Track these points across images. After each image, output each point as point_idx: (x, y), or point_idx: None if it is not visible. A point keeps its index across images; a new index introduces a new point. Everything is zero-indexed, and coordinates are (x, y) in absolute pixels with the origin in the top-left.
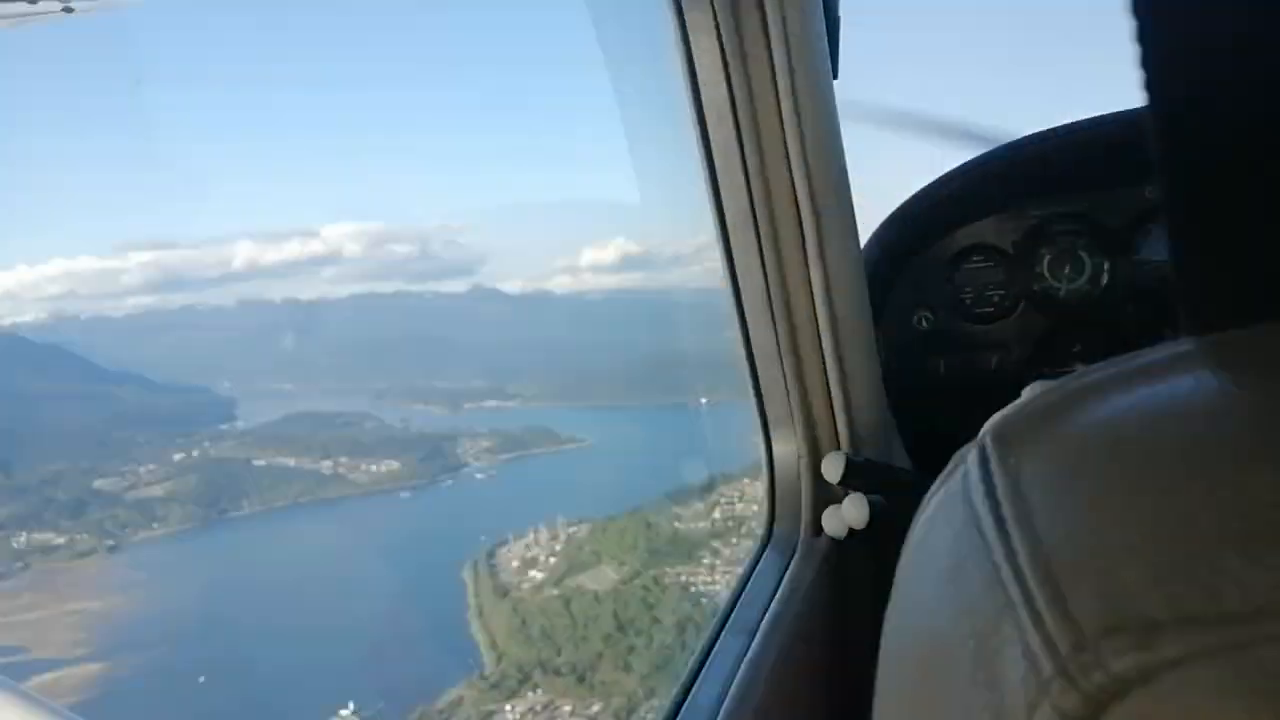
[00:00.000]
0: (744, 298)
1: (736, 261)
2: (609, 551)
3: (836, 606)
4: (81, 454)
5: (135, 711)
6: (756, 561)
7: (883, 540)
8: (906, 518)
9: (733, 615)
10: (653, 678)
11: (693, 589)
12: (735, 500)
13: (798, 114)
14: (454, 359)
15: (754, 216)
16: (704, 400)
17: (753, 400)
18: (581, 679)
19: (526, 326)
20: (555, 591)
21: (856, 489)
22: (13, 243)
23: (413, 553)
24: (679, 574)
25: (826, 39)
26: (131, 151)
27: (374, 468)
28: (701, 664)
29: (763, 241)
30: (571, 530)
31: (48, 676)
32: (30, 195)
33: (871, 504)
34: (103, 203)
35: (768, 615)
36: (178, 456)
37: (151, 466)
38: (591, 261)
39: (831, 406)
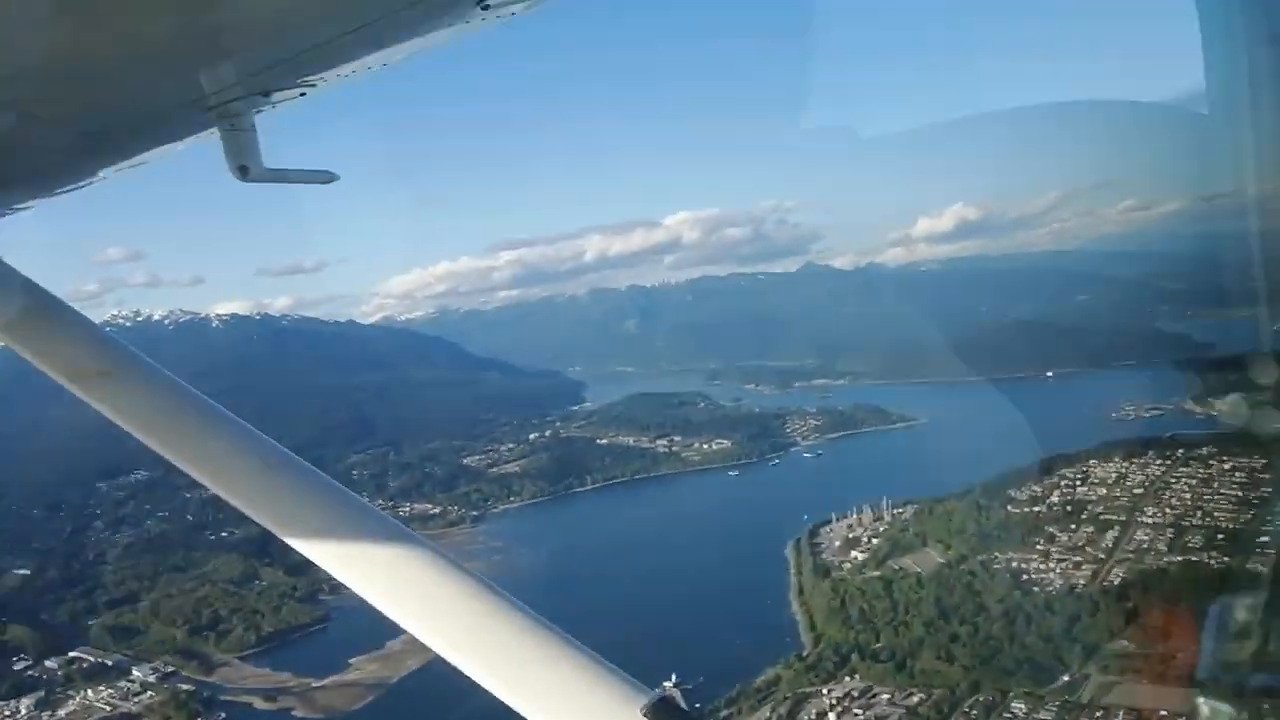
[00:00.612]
0: None
1: None
2: (935, 534)
3: None
4: (454, 434)
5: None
6: None
7: None
8: None
9: None
10: (978, 670)
11: (1025, 577)
12: (1077, 483)
13: None
14: (785, 338)
15: None
16: (1050, 373)
17: None
18: (901, 666)
19: (858, 302)
20: (876, 573)
21: None
22: (412, 250)
23: (738, 528)
24: (1010, 560)
25: None
26: (499, 159)
27: (705, 446)
28: None
29: None
30: (896, 511)
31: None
32: (427, 204)
33: None
34: (479, 208)
35: None
36: (533, 435)
37: (510, 445)
38: (926, 231)
39: None
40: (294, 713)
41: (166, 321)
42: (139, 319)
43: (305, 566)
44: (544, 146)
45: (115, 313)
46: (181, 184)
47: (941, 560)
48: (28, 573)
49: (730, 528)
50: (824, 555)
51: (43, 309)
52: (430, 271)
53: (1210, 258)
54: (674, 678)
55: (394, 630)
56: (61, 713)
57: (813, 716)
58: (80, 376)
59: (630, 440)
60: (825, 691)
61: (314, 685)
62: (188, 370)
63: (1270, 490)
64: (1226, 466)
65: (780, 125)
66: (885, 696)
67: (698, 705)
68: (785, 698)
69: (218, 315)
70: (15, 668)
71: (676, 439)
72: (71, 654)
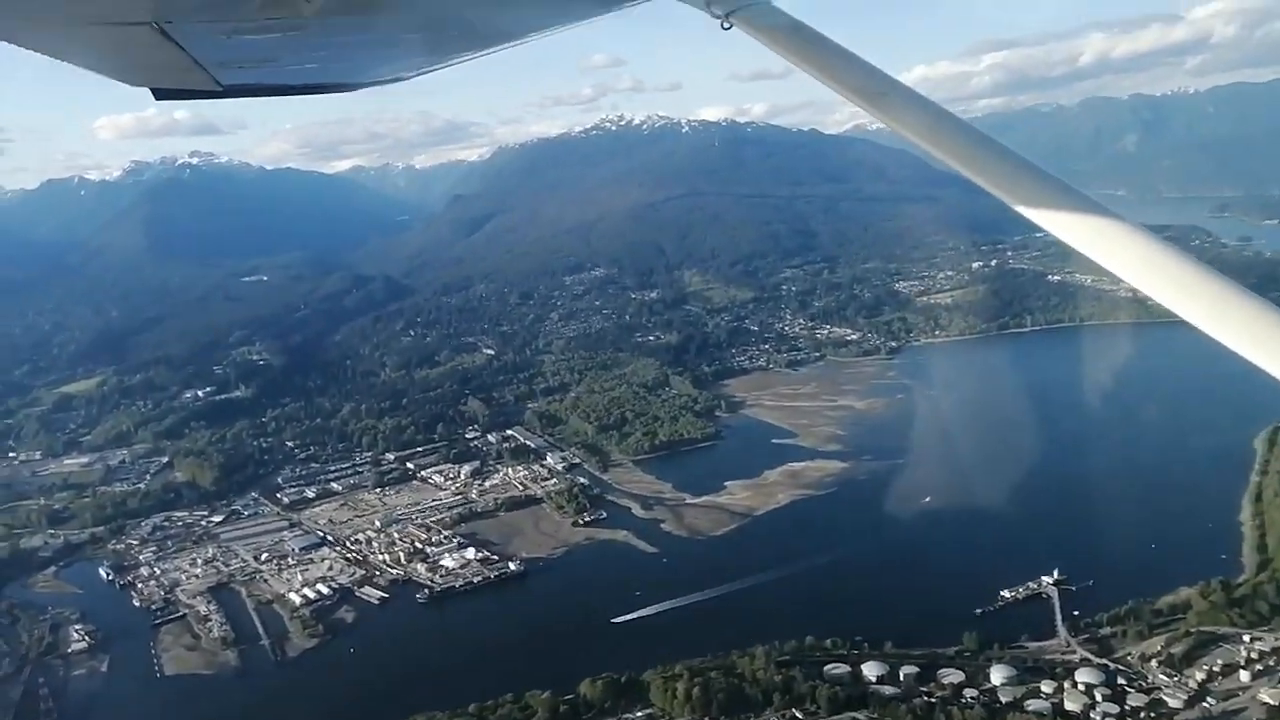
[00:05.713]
0: None
1: None
2: None
3: None
4: (893, 255)
5: (850, 521)
6: None
7: None
8: None
9: None
10: None
11: None
12: None
13: None
14: None
15: None
16: None
17: None
18: None
19: None
20: None
21: None
22: (885, 55)
23: (1196, 402)
24: None
25: None
26: None
27: None
28: None
29: None
30: None
31: (796, 465)
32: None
33: None
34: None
35: None
36: (976, 264)
37: (949, 273)
38: None
39: None
40: (663, 525)
41: (644, 127)
42: (621, 124)
43: (710, 381)
44: None
45: (604, 117)
46: None
47: None
48: (492, 353)
49: (1185, 401)
50: None
51: (819, 41)
52: (902, 79)
53: None
54: (1055, 573)
55: (772, 461)
56: (487, 484)
57: (1218, 667)
58: (866, 94)
59: (1088, 280)
60: (1247, 640)
61: (687, 501)
62: (653, 175)
63: None
64: None
65: None
66: None
67: (1075, 613)
68: (1188, 633)
69: (688, 121)
70: (466, 436)
71: None
72: (508, 431)
